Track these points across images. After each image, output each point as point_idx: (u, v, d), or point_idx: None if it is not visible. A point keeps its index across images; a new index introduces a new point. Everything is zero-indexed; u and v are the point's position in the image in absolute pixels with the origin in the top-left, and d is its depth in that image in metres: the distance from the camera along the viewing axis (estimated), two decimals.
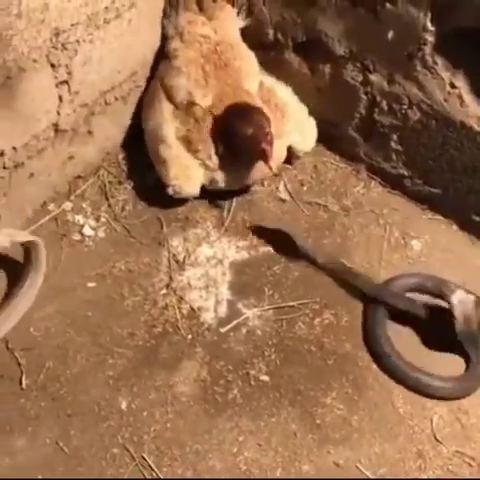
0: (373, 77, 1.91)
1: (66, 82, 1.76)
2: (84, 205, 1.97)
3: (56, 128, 1.82)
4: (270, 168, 1.87)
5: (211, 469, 1.55)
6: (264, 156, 1.85)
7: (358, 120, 2.00)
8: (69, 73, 1.76)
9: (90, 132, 1.93)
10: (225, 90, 1.93)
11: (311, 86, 2.04)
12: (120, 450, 1.57)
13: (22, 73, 1.63)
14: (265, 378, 1.69)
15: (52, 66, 1.71)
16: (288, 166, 2.08)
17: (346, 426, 1.62)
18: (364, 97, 1.95)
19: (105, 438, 1.58)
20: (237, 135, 1.86)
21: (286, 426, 1.62)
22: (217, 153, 1.91)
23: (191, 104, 1.94)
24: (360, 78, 1.94)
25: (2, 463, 1.54)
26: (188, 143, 1.93)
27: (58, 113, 1.80)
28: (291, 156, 2.07)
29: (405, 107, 1.88)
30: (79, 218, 1.95)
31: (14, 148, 1.73)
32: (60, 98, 1.78)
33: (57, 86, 1.75)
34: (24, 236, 1.76)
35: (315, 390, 1.68)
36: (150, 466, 1.55)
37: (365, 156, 2.04)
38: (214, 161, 1.92)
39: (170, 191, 1.95)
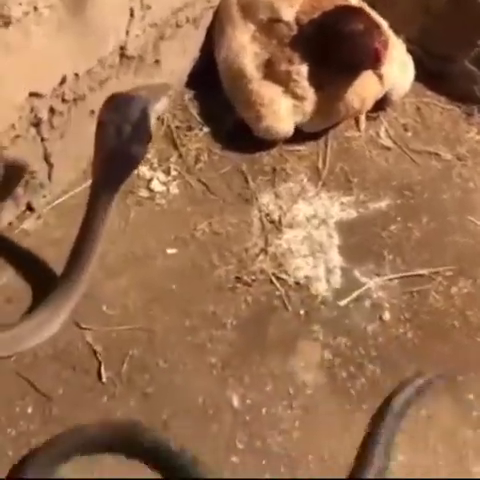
0: None
1: None
2: (149, 155, 1.59)
3: (123, 53, 1.44)
4: (380, 77, 1.51)
5: None
6: (376, 61, 1.47)
7: (478, 51, 1.67)
8: None
9: (157, 61, 1.56)
10: None
11: (419, 7, 1.70)
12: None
13: None
14: None
15: None
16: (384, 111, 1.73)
17: None
18: None
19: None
20: (342, 34, 1.50)
21: (439, 421, 1.29)
22: (307, 73, 1.54)
23: (274, 21, 1.58)
24: None
25: None
26: (270, 68, 1.57)
27: (127, 33, 1.42)
28: (386, 97, 1.71)
29: None
30: (145, 170, 1.57)
31: (76, 75, 1.35)
32: (131, 12, 1.41)
33: None
34: None
35: (465, 374, 1.35)
36: None
37: None
38: (303, 84, 1.55)
39: (257, 133, 1.59)
